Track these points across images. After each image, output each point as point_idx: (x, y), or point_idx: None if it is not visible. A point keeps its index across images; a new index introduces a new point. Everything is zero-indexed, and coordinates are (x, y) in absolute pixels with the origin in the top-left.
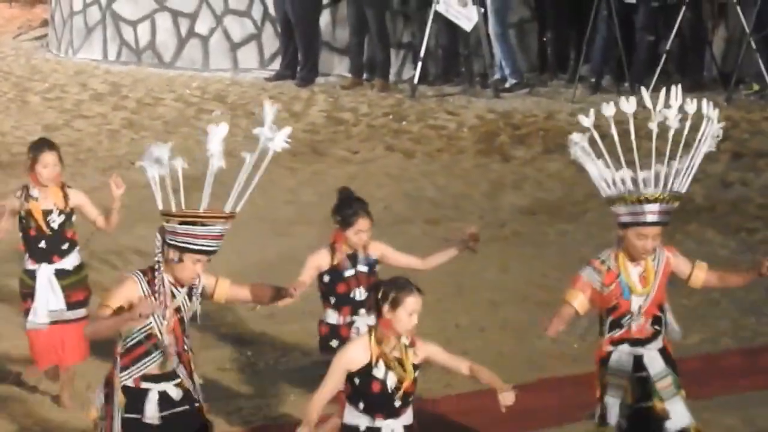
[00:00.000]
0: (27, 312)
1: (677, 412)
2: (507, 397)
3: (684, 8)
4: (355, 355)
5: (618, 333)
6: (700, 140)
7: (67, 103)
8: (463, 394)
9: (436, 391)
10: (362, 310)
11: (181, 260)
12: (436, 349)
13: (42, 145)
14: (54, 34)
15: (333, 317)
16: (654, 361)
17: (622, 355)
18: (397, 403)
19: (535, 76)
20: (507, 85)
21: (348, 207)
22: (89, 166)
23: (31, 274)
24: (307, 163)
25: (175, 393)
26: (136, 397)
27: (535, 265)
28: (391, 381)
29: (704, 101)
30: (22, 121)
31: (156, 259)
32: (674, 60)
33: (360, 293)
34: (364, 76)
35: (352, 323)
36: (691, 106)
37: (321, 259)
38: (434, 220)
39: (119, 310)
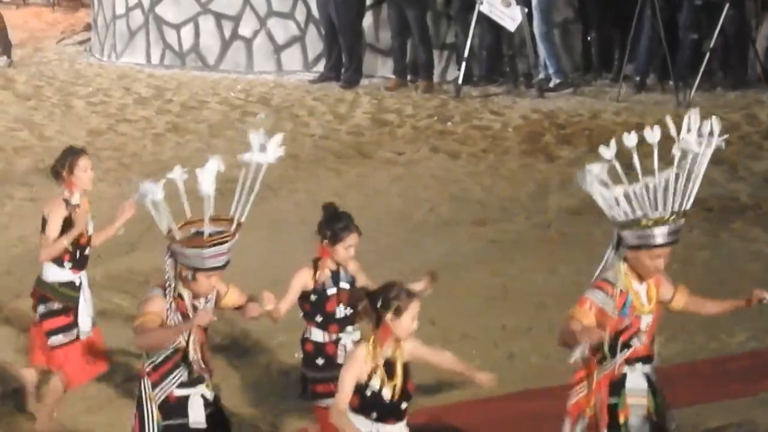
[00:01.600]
0: (63, 328)
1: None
2: (485, 380)
3: (727, 6)
4: (364, 367)
5: (627, 353)
6: (703, 155)
7: (111, 107)
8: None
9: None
10: (349, 327)
11: (194, 278)
12: (416, 344)
13: (77, 150)
14: (97, 39)
15: (318, 335)
16: (654, 377)
17: (638, 372)
18: (403, 406)
19: (579, 76)
20: (551, 84)
21: (338, 221)
22: (134, 170)
23: (72, 285)
24: (352, 165)
25: (209, 394)
26: (177, 406)
27: (581, 266)
28: (387, 391)
29: (713, 118)
30: (67, 126)
31: (167, 278)
32: (718, 58)
33: (341, 311)
34: (408, 77)
35: (338, 340)
36: (706, 127)
37: (306, 278)
38: (480, 221)
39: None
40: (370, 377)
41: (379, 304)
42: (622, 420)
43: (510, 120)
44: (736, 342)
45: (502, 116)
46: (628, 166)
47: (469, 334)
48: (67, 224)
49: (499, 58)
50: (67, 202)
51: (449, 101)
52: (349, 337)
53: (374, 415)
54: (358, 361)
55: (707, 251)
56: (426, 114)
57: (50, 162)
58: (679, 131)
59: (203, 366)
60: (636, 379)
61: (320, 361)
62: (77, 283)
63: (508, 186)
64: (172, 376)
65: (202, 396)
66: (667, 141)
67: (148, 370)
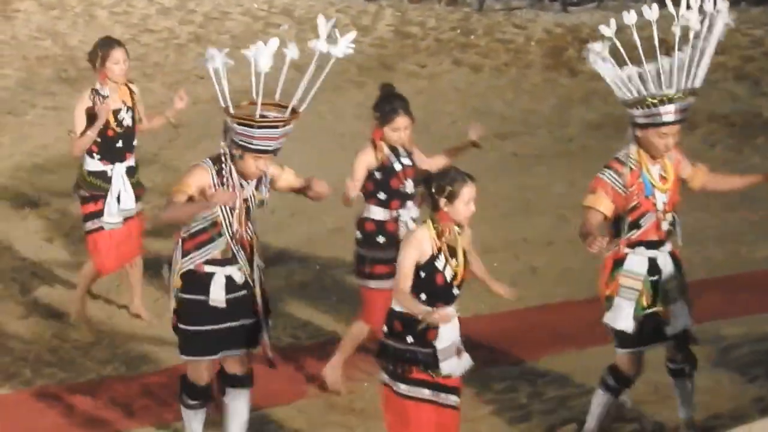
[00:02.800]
0: (91, 215)
1: (677, 314)
2: (508, 292)
3: None
4: (424, 247)
5: (636, 234)
6: (709, 32)
7: (133, 17)
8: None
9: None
10: (409, 203)
11: (242, 157)
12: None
13: (111, 41)
14: None
15: (379, 213)
16: (666, 264)
17: (639, 257)
18: (456, 292)
19: None
20: None
21: (387, 104)
22: (156, 80)
23: (103, 176)
24: (375, 77)
25: (238, 277)
26: (200, 280)
27: None
28: (449, 272)
29: None
30: (89, 35)
31: (222, 150)
32: None
33: (408, 186)
34: None
35: (398, 218)
36: (708, 4)
37: (368, 157)
38: (503, 135)
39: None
40: (433, 258)
41: (433, 189)
42: (608, 293)
43: (533, 34)
44: (758, 257)
45: (525, 30)
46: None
47: (491, 247)
48: (91, 115)
49: None
50: (96, 92)
51: (472, 14)
52: (408, 213)
53: (423, 296)
54: (418, 241)
55: (731, 167)
56: (449, 27)
57: (73, 72)
58: (678, 9)
59: (242, 244)
60: (635, 262)
61: (381, 239)
62: (108, 174)
63: (530, 100)
64: (204, 249)
65: (230, 277)
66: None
67: (184, 236)
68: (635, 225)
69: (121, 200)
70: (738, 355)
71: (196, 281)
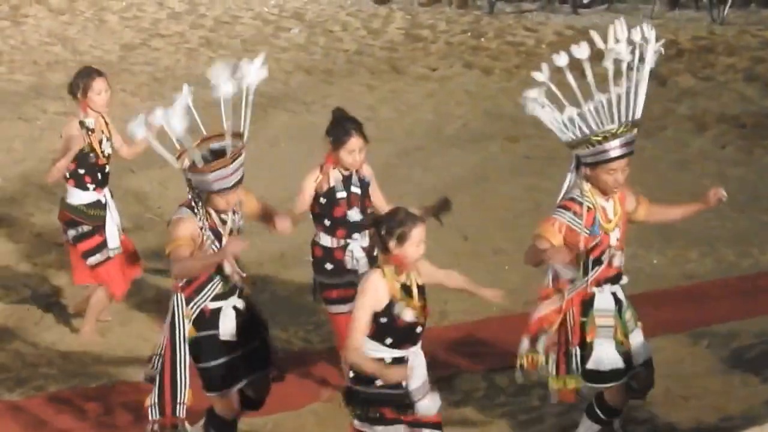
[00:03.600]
0: (96, 248)
1: (639, 344)
2: (493, 295)
3: None
4: (379, 294)
5: (599, 271)
6: (641, 62)
7: (144, 22)
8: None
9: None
10: (356, 234)
11: (210, 198)
12: (428, 267)
13: (92, 71)
14: None
15: (327, 240)
16: (622, 295)
17: (606, 294)
18: (419, 330)
19: None
20: (585, 1)
21: (340, 126)
22: (167, 85)
23: (99, 204)
24: (386, 80)
25: (241, 304)
26: (210, 318)
27: None
28: (409, 314)
29: (644, 25)
30: (100, 40)
31: (189, 197)
32: None
33: (354, 214)
34: None
35: (346, 246)
36: (636, 34)
37: (314, 178)
38: (513, 138)
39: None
40: (390, 304)
41: (383, 231)
42: (589, 339)
43: (544, 36)
44: None
45: (535, 33)
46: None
47: (502, 249)
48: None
49: None
50: (82, 123)
51: (483, 17)
52: (357, 243)
53: (389, 341)
54: (370, 291)
55: (741, 168)
56: (459, 30)
57: None
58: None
59: (239, 276)
60: (604, 300)
61: (329, 266)
62: (103, 202)
63: None
64: (206, 290)
65: (234, 307)
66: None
67: (181, 284)
68: (598, 262)
69: (113, 222)
70: (750, 357)
71: (206, 319)
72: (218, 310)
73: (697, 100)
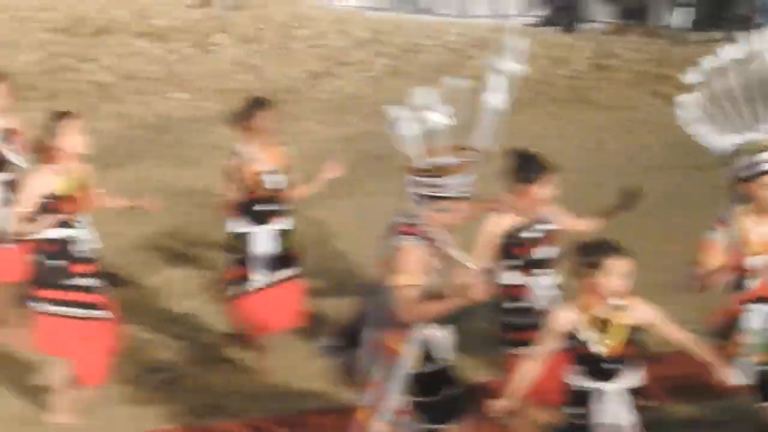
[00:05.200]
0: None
1: None
2: (726, 375)
3: None
4: (563, 320)
5: (752, 288)
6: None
7: (329, 50)
8: None
9: None
10: (543, 271)
11: (442, 209)
12: (655, 315)
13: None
14: None
15: (512, 278)
16: None
17: (759, 313)
18: (606, 366)
19: None
20: None
21: (531, 164)
22: (352, 113)
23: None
24: (570, 109)
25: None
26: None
27: None
28: (596, 345)
29: None
30: (285, 68)
31: (411, 217)
32: None
33: (539, 253)
34: (628, 21)
35: (532, 284)
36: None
37: (500, 221)
38: (704, 167)
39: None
40: (578, 330)
41: (577, 259)
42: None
43: None
44: None
45: None
46: None
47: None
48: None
49: (721, 2)
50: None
51: (670, 46)
52: (543, 281)
53: (584, 369)
54: (561, 314)
55: None
56: (646, 58)
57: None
58: None
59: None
60: (757, 319)
61: (513, 305)
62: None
63: None
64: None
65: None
66: None
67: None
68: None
69: None
70: None
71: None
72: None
73: None
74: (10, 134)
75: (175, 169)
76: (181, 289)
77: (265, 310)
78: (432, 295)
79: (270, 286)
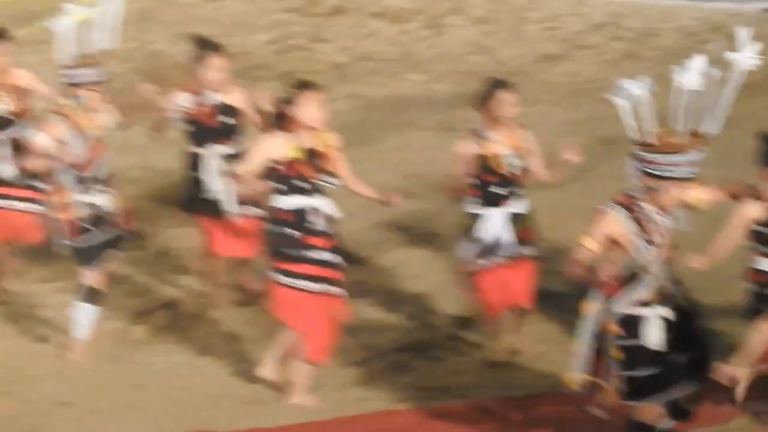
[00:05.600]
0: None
1: None
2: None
3: None
4: None
5: None
6: None
7: (564, 33)
8: None
9: None
10: None
11: (661, 188)
12: None
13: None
14: None
15: (766, 264)
16: None
17: None
18: None
19: None
20: None
21: None
22: (587, 96)
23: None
24: None
25: (671, 315)
26: (631, 324)
27: None
28: None
29: None
30: (519, 51)
31: (633, 187)
32: None
33: None
34: None
35: None
36: None
37: (754, 208)
38: None
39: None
40: None
41: None
42: None
43: None
44: None
45: None
46: None
47: None
48: None
49: None
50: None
51: None
52: None
53: None
54: None
55: None
56: None
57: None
58: None
59: (666, 285)
60: None
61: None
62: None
63: None
64: (633, 290)
65: (662, 317)
66: None
67: (607, 280)
68: None
69: None
70: None
71: (628, 325)
72: (642, 318)
73: None
74: (229, 109)
75: (407, 151)
76: (413, 270)
77: (497, 290)
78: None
79: (503, 266)
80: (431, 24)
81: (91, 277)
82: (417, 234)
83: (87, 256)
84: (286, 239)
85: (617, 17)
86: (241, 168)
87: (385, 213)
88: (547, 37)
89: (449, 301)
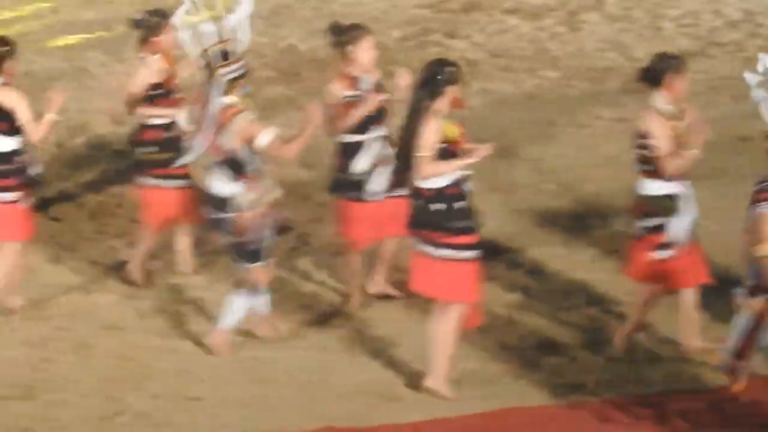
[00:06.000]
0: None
1: None
2: None
3: None
4: None
5: None
6: None
7: (700, 30)
8: None
9: None
10: None
11: None
12: None
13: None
14: None
15: None
16: None
17: None
18: None
19: None
20: None
21: None
22: (722, 94)
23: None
24: None
25: None
26: None
27: None
28: None
29: None
30: (655, 48)
31: None
32: None
33: None
34: None
35: None
36: None
37: None
38: None
39: None
40: None
41: None
42: None
43: None
44: None
45: None
46: None
47: None
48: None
49: None
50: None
51: None
52: None
53: None
54: None
55: None
56: None
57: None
58: None
59: None
60: None
61: None
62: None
63: None
64: None
65: None
66: None
67: None
68: None
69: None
70: None
71: None
72: None
73: None
74: (380, 88)
75: (542, 147)
76: (568, 263)
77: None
78: None
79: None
80: (566, 20)
81: (257, 273)
82: (561, 228)
83: (257, 252)
84: (457, 213)
85: (754, 15)
86: (422, 156)
87: (524, 209)
88: (683, 33)
89: (604, 295)
